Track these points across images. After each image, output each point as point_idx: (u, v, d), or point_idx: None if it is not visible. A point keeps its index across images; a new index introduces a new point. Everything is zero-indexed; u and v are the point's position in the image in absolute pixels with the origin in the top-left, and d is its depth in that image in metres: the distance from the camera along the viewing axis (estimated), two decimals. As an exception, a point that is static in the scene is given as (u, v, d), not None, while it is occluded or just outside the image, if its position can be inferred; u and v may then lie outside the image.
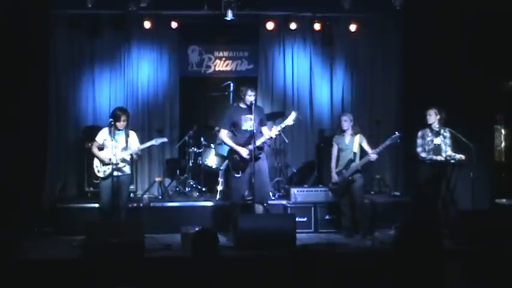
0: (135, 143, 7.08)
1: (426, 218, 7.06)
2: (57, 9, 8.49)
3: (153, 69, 9.16)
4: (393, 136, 7.08)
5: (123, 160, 6.94)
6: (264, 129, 6.96)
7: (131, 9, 8.29)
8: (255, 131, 6.69)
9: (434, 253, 2.25)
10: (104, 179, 6.93)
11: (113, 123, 6.89)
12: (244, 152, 6.71)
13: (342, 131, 7.34)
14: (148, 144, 7.18)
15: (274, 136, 6.95)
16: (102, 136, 7.02)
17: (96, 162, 7.01)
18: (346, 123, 7.29)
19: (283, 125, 6.80)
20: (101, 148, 7.01)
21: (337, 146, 7.38)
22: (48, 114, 8.41)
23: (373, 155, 7.06)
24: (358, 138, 7.27)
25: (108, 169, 6.89)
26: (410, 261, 2.24)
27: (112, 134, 6.90)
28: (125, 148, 6.97)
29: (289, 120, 6.76)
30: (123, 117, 6.92)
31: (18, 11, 7.54)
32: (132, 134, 7.13)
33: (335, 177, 7.33)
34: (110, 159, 6.84)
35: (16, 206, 7.10)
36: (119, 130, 6.95)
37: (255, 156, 6.64)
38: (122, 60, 9.06)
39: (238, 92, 7.21)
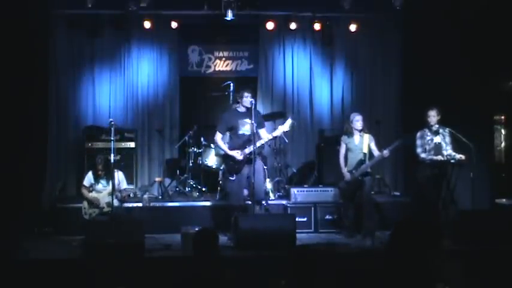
0: (122, 183, 7.26)
1: (426, 218, 7.05)
2: (57, 9, 8.49)
3: (153, 69, 9.16)
4: (405, 137, 7.04)
5: (109, 204, 6.94)
6: (262, 131, 6.94)
7: (131, 9, 8.30)
8: (254, 131, 6.69)
9: (431, 251, 2.25)
10: (89, 220, 7.03)
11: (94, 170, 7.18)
12: (236, 154, 6.72)
13: (355, 131, 7.18)
14: (128, 188, 7.51)
15: (271, 138, 6.97)
16: (89, 180, 7.18)
17: (84, 204, 7.09)
18: (360, 122, 7.16)
19: (279, 131, 6.82)
20: (89, 190, 7.16)
21: (346, 146, 7.23)
22: (48, 114, 8.41)
23: (385, 152, 6.92)
24: (367, 138, 7.16)
25: (94, 212, 7.03)
26: (405, 258, 2.24)
27: (98, 180, 7.13)
28: (111, 191, 6.91)
29: (286, 127, 6.82)
30: (99, 166, 7.09)
31: (18, 11, 7.53)
32: (118, 174, 7.21)
33: (348, 175, 7.17)
34: (98, 200, 7.02)
35: (16, 206, 7.10)
36: (103, 176, 7.09)
37: (249, 158, 6.65)
38: (122, 60, 9.06)
39: (237, 94, 7.21)
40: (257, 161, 6.90)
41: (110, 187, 6.90)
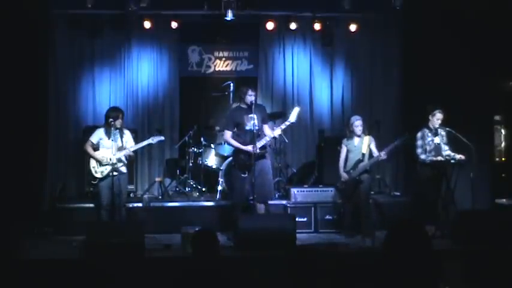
0: (130, 142, 7.11)
1: (426, 218, 7.04)
2: (57, 9, 8.49)
3: (153, 69, 9.16)
4: (402, 137, 7.04)
5: (120, 160, 6.94)
6: (265, 127, 6.92)
7: (131, 9, 8.30)
8: (257, 127, 6.67)
9: (423, 252, 2.24)
10: (102, 179, 6.92)
11: (112, 122, 6.88)
12: (250, 148, 6.61)
13: (354, 134, 7.16)
14: (145, 142, 7.18)
15: (279, 135, 6.97)
16: (98, 136, 7.01)
17: (92, 162, 6.97)
18: (359, 127, 7.12)
19: (287, 123, 6.78)
20: (95, 148, 7.01)
21: (346, 148, 7.21)
22: (48, 114, 8.41)
23: (383, 153, 6.92)
24: (367, 139, 7.14)
25: (106, 169, 6.90)
26: (400, 260, 2.24)
27: (109, 134, 6.93)
28: (121, 147, 6.97)
29: (293, 117, 6.74)
30: (121, 116, 6.97)
31: (19, 11, 7.53)
32: (127, 132, 7.15)
33: (344, 175, 7.17)
34: (110, 159, 6.86)
35: (16, 206, 7.09)
36: (116, 129, 6.94)
37: (260, 155, 6.64)
38: (122, 60, 9.06)
39: (238, 91, 7.23)
40: (267, 159, 6.91)
41: (118, 143, 6.87)
